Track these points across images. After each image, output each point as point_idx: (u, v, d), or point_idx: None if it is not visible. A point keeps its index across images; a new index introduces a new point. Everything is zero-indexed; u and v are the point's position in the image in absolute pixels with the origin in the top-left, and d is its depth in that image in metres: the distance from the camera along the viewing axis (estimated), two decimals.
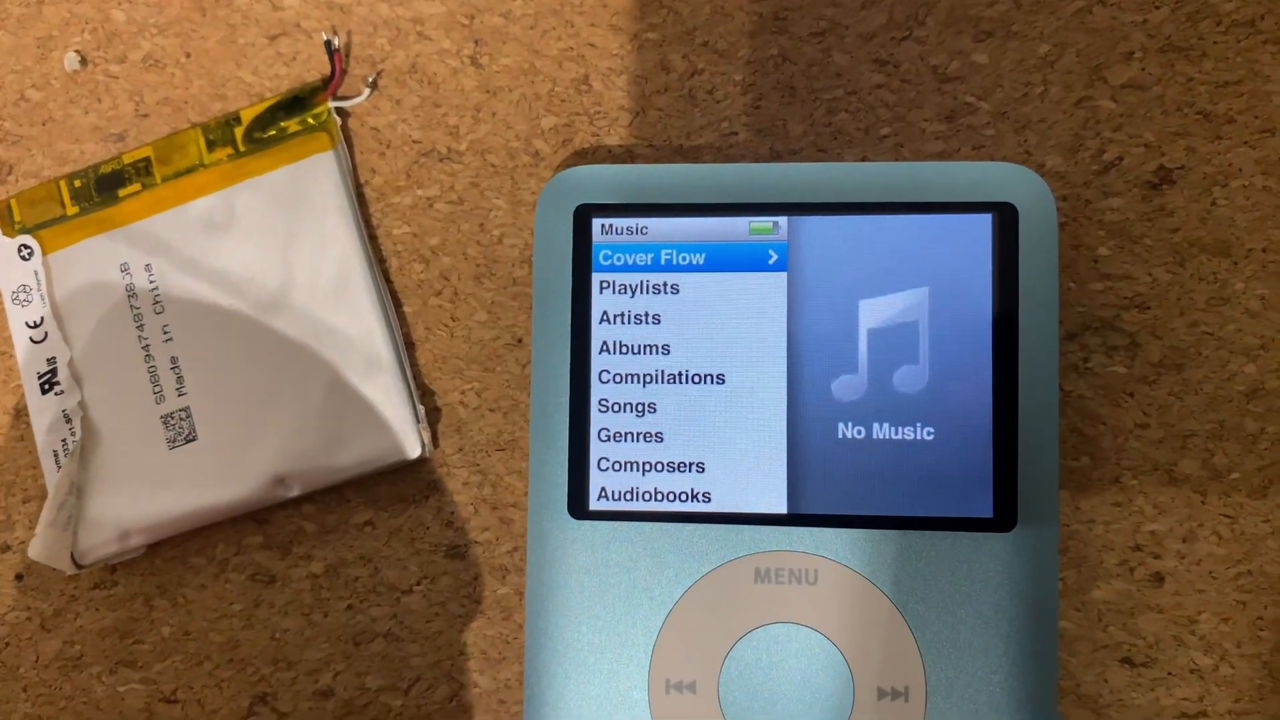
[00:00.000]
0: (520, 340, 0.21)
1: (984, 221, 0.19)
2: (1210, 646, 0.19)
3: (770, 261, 0.19)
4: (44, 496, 0.22)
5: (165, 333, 0.21)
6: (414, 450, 0.20)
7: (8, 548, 0.22)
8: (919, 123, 0.20)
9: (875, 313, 0.19)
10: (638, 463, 0.19)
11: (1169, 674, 0.20)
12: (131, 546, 0.21)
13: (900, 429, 0.19)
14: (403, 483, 0.21)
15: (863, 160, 0.20)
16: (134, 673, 0.21)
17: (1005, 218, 0.19)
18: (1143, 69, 0.20)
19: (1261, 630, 0.19)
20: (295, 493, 0.21)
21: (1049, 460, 0.18)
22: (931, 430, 0.19)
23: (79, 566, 0.21)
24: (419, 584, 0.21)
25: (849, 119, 0.21)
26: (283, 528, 0.21)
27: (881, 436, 0.19)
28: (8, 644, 0.22)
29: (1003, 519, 0.18)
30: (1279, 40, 0.20)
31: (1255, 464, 0.20)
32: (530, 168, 0.21)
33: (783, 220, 0.19)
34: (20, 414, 0.22)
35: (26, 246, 0.22)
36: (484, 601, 0.21)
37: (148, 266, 0.21)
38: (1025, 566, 0.18)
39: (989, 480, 0.19)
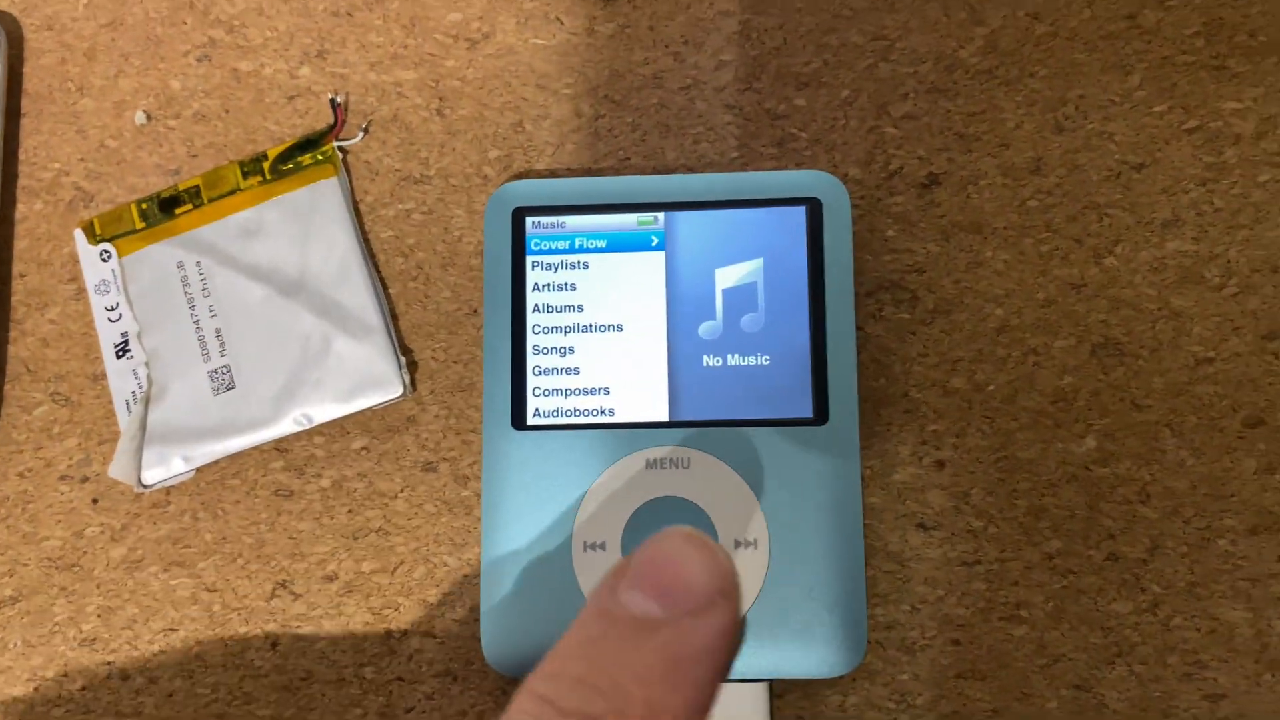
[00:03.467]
0: (475, 310, 0.29)
1: (799, 211, 0.27)
2: (980, 513, 0.27)
3: (653, 244, 0.27)
4: (116, 440, 0.28)
5: (211, 310, 0.28)
6: (398, 391, 0.28)
7: (86, 479, 0.29)
8: (758, 148, 0.29)
9: (727, 277, 0.27)
10: (561, 389, 0.27)
11: (952, 534, 0.27)
12: (183, 470, 0.28)
13: (746, 357, 0.26)
14: (390, 416, 0.28)
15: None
16: (183, 570, 0.28)
17: (814, 209, 0.27)
18: (915, 105, 0.28)
19: (1016, 499, 0.27)
20: (309, 426, 0.28)
21: (849, 376, 0.26)
22: (768, 357, 0.26)
23: (144, 486, 0.28)
24: (402, 491, 0.28)
25: (709, 148, 0.29)
26: (299, 454, 0.28)
27: (734, 363, 0.26)
28: (85, 552, 0.28)
29: (818, 416, 0.26)
30: (1009, 83, 0.28)
31: (1005, 378, 0.27)
32: (481, 187, 0.29)
33: (661, 215, 0.27)
34: (98, 379, 0.29)
35: (106, 251, 0.29)
36: (451, 502, 0.28)
37: (198, 263, 0.29)
38: (835, 450, 0.26)
39: (809, 390, 0.26)
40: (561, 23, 0.29)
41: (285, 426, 0.28)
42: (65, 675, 0.28)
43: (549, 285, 0.27)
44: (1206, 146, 0.27)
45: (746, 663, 0.25)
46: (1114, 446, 0.27)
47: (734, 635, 0.18)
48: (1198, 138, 0.28)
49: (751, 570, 0.25)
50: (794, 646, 0.25)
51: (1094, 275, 0.27)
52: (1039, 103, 0.28)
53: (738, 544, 0.25)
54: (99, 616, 0.28)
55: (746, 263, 0.27)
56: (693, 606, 0.17)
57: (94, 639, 0.28)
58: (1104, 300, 0.27)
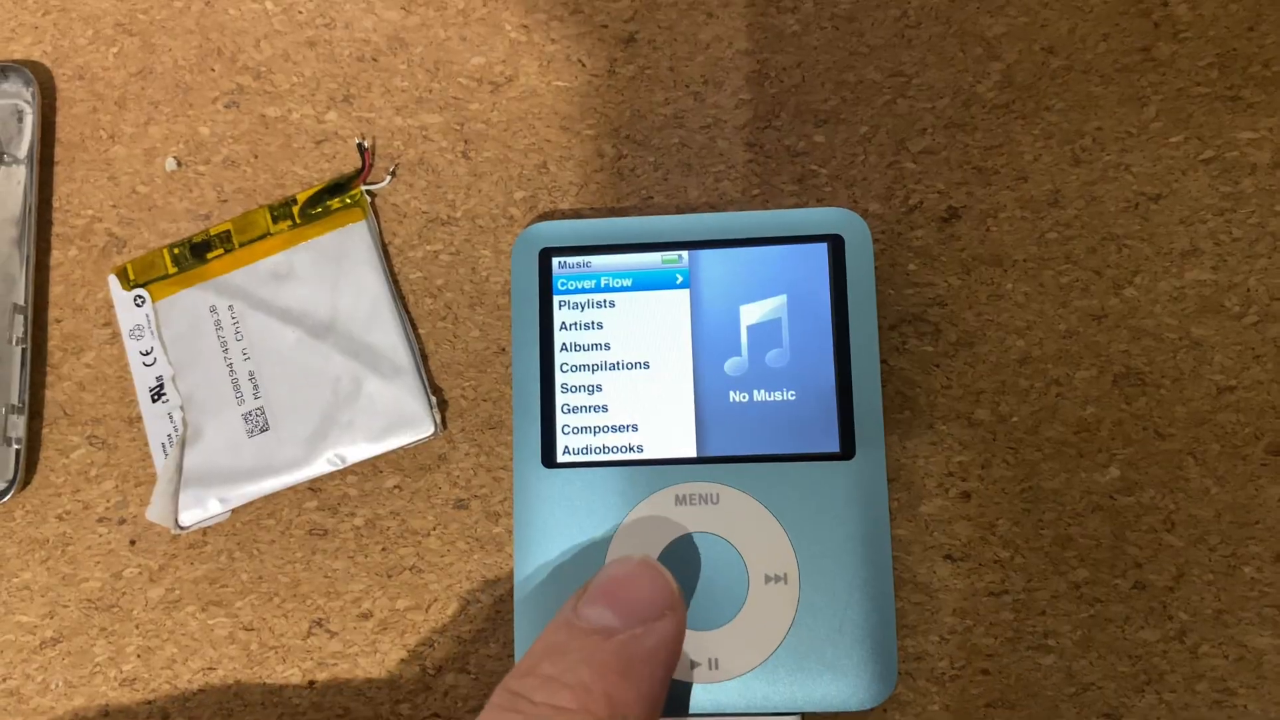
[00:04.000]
0: (503, 349, 0.29)
1: (822, 249, 0.27)
2: (1006, 543, 0.27)
3: (678, 282, 0.28)
4: (153, 482, 0.29)
5: (244, 354, 0.29)
6: (429, 430, 0.28)
7: (124, 520, 0.29)
8: (779, 185, 0.29)
9: (751, 313, 0.27)
10: (590, 426, 0.27)
11: (979, 564, 0.27)
12: (219, 511, 0.28)
13: (772, 393, 0.27)
14: (421, 455, 0.29)
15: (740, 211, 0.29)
16: (220, 609, 0.28)
17: (836, 245, 0.27)
18: (933, 139, 0.29)
19: (1042, 529, 0.27)
20: (342, 466, 0.28)
21: (875, 410, 0.26)
22: (794, 393, 0.27)
23: (181, 528, 0.28)
24: (435, 529, 0.28)
25: (730, 185, 0.29)
26: (332, 493, 0.29)
27: (760, 399, 0.27)
28: (124, 593, 0.29)
29: (845, 451, 0.26)
30: (1025, 116, 0.29)
31: (1028, 410, 0.28)
32: (507, 227, 0.29)
33: (685, 253, 0.28)
34: (133, 422, 0.29)
35: (140, 297, 0.29)
36: (483, 539, 0.28)
37: (230, 307, 0.29)
38: (863, 483, 0.26)
39: (835, 425, 0.26)
40: (583, 65, 0.30)
41: (319, 467, 0.28)
42: (107, 715, 0.28)
43: (576, 324, 0.28)
44: (1223, 176, 0.28)
45: (778, 695, 0.25)
46: (1138, 476, 0.27)
47: (679, 641, 0.21)
48: (1214, 168, 0.28)
49: (782, 604, 0.26)
50: (825, 679, 0.25)
51: (1114, 306, 0.28)
52: (1056, 135, 0.28)
53: (768, 578, 0.26)
54: (139, 656, 0.28)
55: (770, 299, 0.27)
56: (644, 617, 0.21)
57: (134, 679, 0.28)
58: (1125, 330, 0.27)
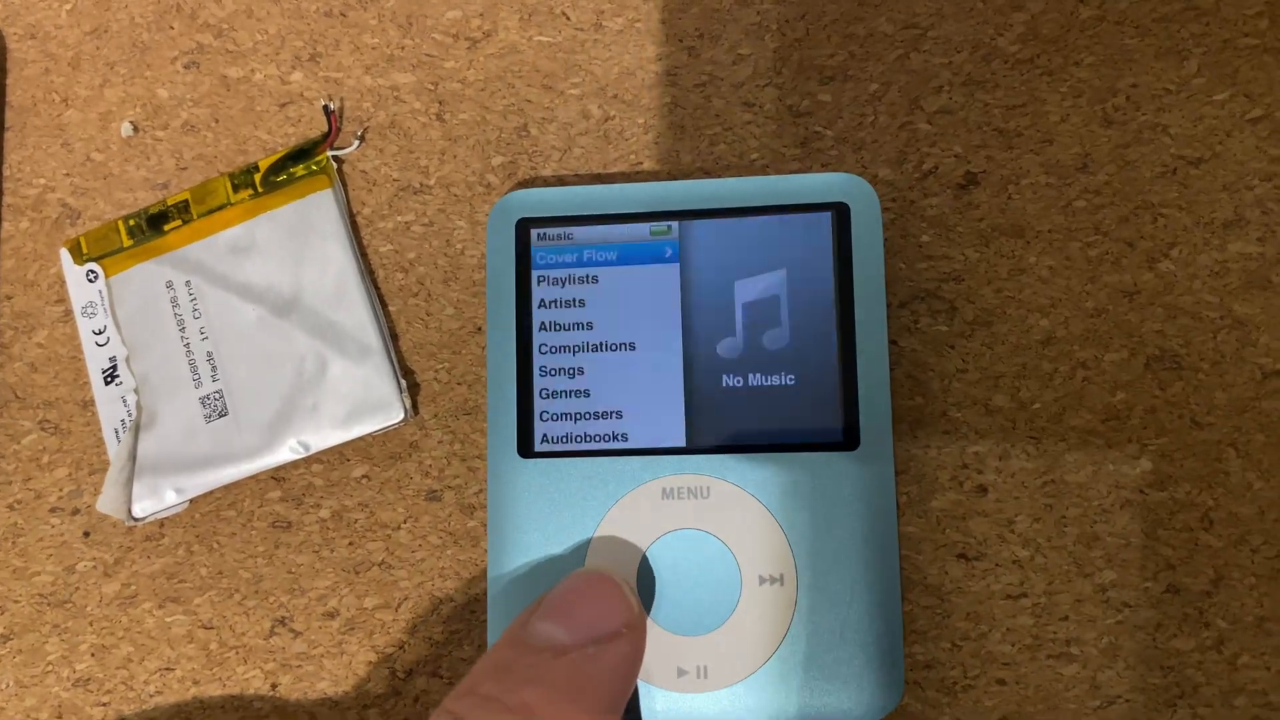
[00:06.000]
0: (479, 328, 0.27)
1: (824, 218, 0.25)
2: (1026, 541, 0.25)
3: (667, 256, 0.25)
4: (106, 469, 0.27)
5: (202, 333, 0.27)
6: (399, 416, 0.26)
7: (77, 510, 0.27)
8: (780, 149, 0.27)
9: (747, 290, 0.25)
10: (571, 413, 0.25)
11: (995, 565, 0.25)
12: (176, 502, 0.26)
13: (769, 377, 0.24)
14: (391, 442, 0.27)
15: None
16: (178, 606, 0.27)
17: (840, 214, 0.25)
18: (950, 98, 0.26)
19: (1065, 526, 0.25)
20: (306, 454, 0.26)
21: (882, 395, 0.24)
22: (793, 377, 0.24)
23: (135, 520, 0.26)
24: (405, 522, 0.26)
25: (726, 149, 0.27)
26: (296, 483, 0.27)
27: (755, 384, 0.25)
28: (77, 588, 0.27)
29: (848, 441, 0.24)
30: (1052, 72, 0.26)
31: (1052, 395, 0.25)
32: (484, 196, 0.27)
33: (675, 224, 0.25)
34: (87, 406, 0.28)
35: (93, 272, 0.27)
36: (456, 533, 0.26)
37: (187, 283, 0.27)
38: (867, 477, 0.24)
39: (837, 412, 0.24)
40: (567, 18, 0.27)
41: (281, 455, 0.26)
42: (59, 717, 0.26)
43: (556, 302, 0.25)
44: (1272, 138, 0.25)
45: (773, 707, 0.23)
46: (1172, 468, 0.24)
47: (636, 663, 0.20)
48: (1262, 128, 0.25)
49: (778, 608, 0.23)
50: (825, 689, 0.23)
51: (1148, 281, 0.25)
52: (1086, 94, 0.26)
53: (762, 580, 0.24)
54: (93, 655, 0.27)
55: (768, 274, 0.25)
56: (598, 635, 0.19)
57: (88, 679, 0.27)
58: (1159, 308, 0.25)
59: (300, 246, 0.27)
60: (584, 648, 0.19)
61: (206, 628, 0.26)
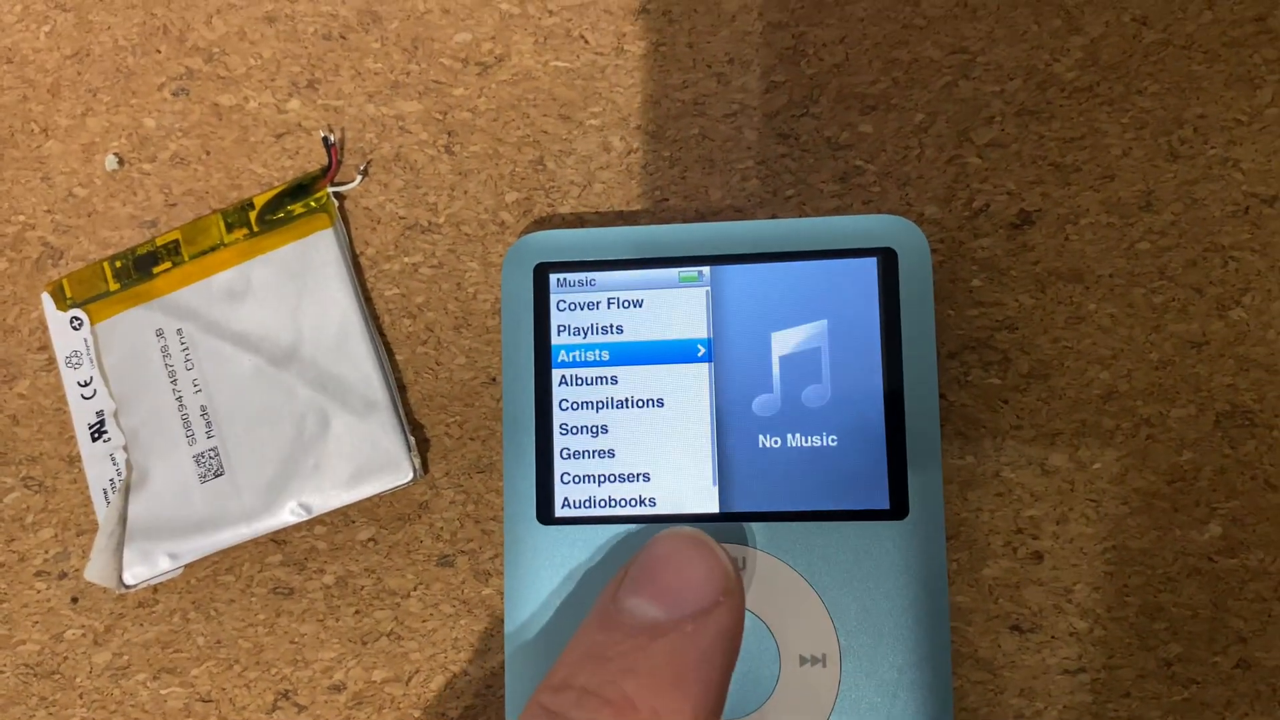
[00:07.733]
0: (494, 379, 0.25)
1: (870, 264, 0.23)
2: (1085, 612, 0.23)
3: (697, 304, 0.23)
4: (95, 530, 0.25)
5: (195, 385, 0.25)
6: (407, 475, 0.24)
7: (65, 575, 0.25)
8: (817, 184, 0.25)
9: (785, 342, 0.23)
10: (594, 475, 0.23)
11: (1052, 637, 0.23)
12: (170, 568, 0.24)
13: (809, 437, 0.23)
14: (399, 503, 0.25)
15: (772, 218, 0.25)
16: (174, 678, 0.25)
17: (887, 260, 0.23)
18: (1002, 130, 0.24)
19: (1127, 596, 0.23)
20: (308, 516, 0.24)
21: (933, 458, 0.22)
22: (835, 437, 0.23)
23: (126, 587, 0.24)
24: (415, 589, 0.25)
25: (759, 184, 0.25)
26: (298, 546, 0.25)
27: (794, 444, 0.23)
28: (65, 658, 0.25)
29: (896, 509, 0.22)
30: (1112, 102, 0.24)
31: (1114, 455, 0.23)
32: (498, 235, 0.25)
33: (706, 269, 0.23)
34: (73, 461, 0.26)
35: (77, 318, 0.26)
36: (471, 602, 0.24)
37: (179, 331, 0.25)
38: (917, 548, 0.22)
39: (884, 477, 0.22)
40: (586, 41, 0.25)
41: (282, 518, 0.24)
42: None
43: (578, 354, 0.23)
44: None
45: None
46: (1243, 534, 0.23)
47: (738, 633, 0.18)
48: None
49: (820, 690, 0.22)
50: None
51: (1218, 331, 0.23)
52: (1149, 125, 0.24)
53: (803, 660, 0.22)
54: None
55: (808, 325, 0.23)
56: (695, 609, 0.17)
57: None
58: (1230, 360, 0.23)
59: (299, 291, 0.25)
60: (683, 626, 0.17)
61: (204, 700, 0.25)
